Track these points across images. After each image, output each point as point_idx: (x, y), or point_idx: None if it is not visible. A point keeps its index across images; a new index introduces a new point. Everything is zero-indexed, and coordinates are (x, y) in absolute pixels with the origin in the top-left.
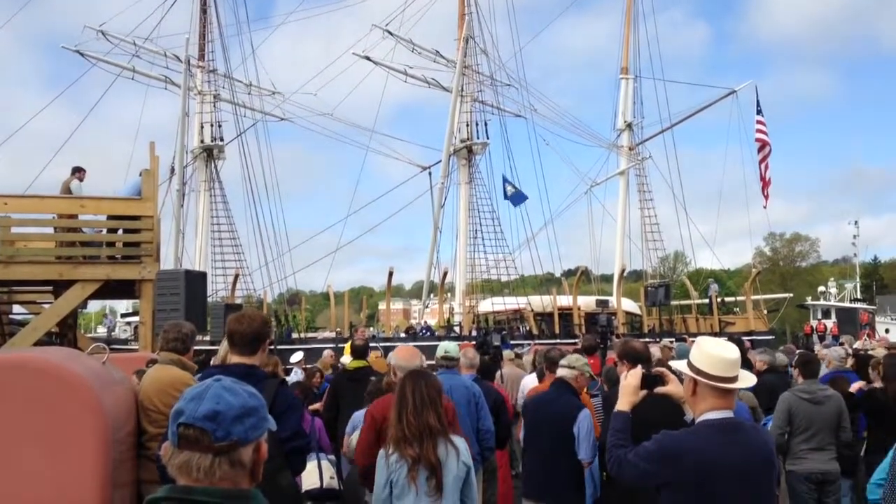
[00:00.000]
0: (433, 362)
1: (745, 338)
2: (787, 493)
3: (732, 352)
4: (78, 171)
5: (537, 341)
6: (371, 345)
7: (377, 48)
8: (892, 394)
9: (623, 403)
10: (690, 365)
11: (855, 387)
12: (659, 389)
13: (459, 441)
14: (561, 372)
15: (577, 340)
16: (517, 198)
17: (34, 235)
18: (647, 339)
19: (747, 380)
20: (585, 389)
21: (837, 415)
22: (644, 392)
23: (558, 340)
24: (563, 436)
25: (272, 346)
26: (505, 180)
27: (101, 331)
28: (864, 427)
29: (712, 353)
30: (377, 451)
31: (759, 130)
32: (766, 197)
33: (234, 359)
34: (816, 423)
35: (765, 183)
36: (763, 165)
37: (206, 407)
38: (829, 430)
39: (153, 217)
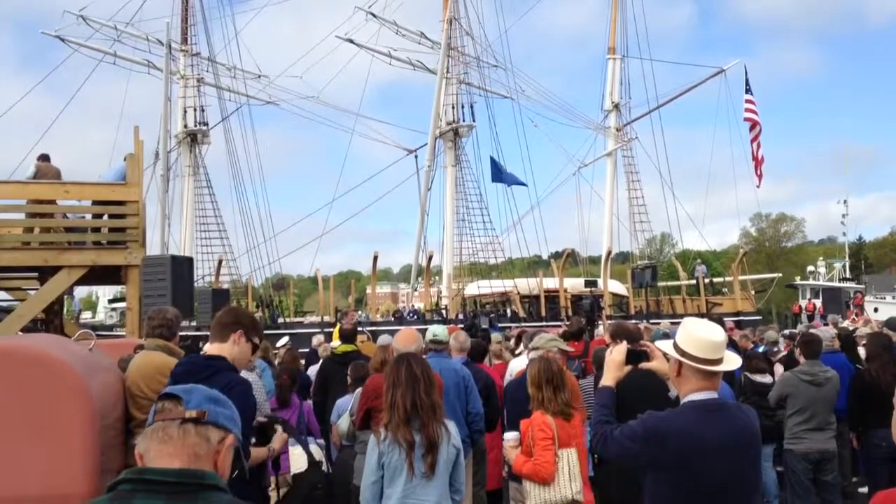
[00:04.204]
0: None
1: (732, 318)
2: (784, 470)
3: (718, 334)
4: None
5: (524, 324)
6: (357, 329)
7: (361, 30)
8: (877, 372)
9: (608, 378)
10: (676, 346)
11: None
12: (644, 365)
13: (450, 424)
14: (532, 354)
15: (560, 323)
16: (512, 180)
17: (18, 222)
18: (633, 321)
19: (732, 362)
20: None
21: (838, 394)
22: (629, 367)
23: (545, 323)
24: None
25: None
26: (495, 163)
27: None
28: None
29: (698, 335)
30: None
31: (748, 110)
32: (760, 176)
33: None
34: (816, 404)
35: (757, 162)
36: (755, 145)
37: (185, 385)
38: (828, 410)
39: (138, 202)
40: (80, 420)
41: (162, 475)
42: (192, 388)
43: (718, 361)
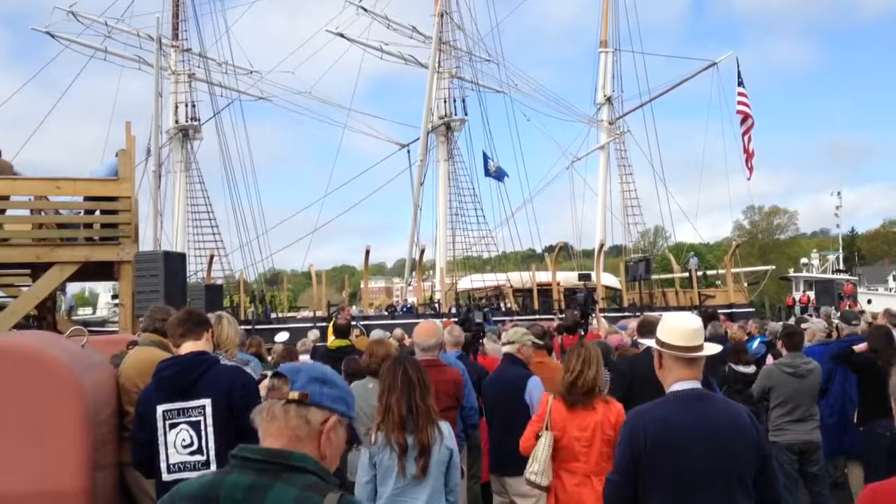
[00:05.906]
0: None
1: (725, 311)
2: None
3: (693, 322)
4: None
5: (517, 318)
6: (351, 324)
7: (352, 25)
8: (886, 362)
9: None
10: (657, 340)
11: (861, 347)
12: None
13: (444, 425)
14: (506, 349)
15: (553, 316)
16: (500, 174)
17: (9, 218)
18: (626, 314)
19: (711, 349)
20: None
21: (819, 385)
22: None
23: (538, 316)
24: (516, 406)
25: (251, 327)
26: (486, 157)
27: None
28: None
29: (673, 324)
30: None
31: (740, 102)
32: (751, 169)
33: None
34: (798, 396)
35: (748, 155)
36: (746, 137)
37: (294, 365)
38: (811, 401)
39: (131, 198)
40: (74, 417)
41: (252, 453)
42: (299, 367)
43: (697, 349)
